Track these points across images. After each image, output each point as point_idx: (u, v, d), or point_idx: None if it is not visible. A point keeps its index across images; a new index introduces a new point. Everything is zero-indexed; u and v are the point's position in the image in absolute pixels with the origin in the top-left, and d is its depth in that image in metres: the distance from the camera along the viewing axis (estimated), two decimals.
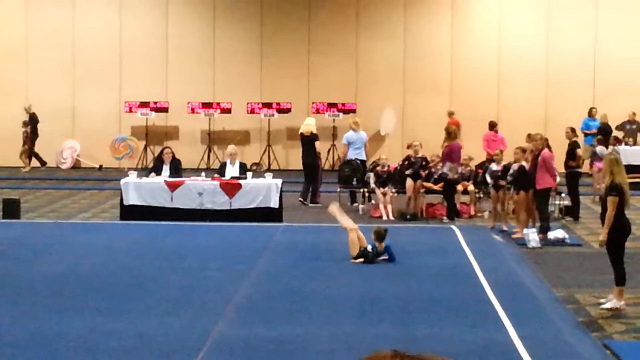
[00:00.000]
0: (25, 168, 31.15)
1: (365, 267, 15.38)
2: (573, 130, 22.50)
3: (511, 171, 19.89)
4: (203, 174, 21.80)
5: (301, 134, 24.48)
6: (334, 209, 16.85)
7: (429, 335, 11.10)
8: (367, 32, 32.34)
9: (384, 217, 21.62)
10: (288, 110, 31.56)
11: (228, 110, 31.76)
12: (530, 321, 11.94)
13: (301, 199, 23.83)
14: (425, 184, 22.34)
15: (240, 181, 20.78)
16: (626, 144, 28.59)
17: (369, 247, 15.72)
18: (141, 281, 14.26)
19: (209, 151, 32.06)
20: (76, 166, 32.49)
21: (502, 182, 20.30)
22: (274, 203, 20.62)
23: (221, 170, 21.67)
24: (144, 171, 23.91)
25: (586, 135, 29.01)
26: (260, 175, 22.24)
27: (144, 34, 32.63)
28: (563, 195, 21.76)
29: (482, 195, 22.61)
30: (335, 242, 17.22)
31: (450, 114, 29.57)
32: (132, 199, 20.74)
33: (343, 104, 31.51)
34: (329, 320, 11.92)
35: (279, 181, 20.95)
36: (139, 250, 16.92)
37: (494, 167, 21.17)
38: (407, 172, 22.42)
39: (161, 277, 14.54)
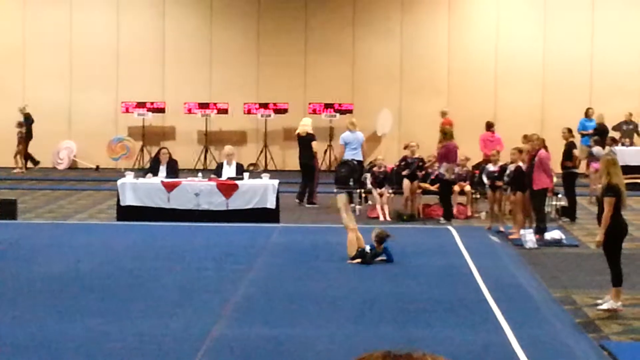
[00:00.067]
0: (16, 169, 31.07)
1: (363, 268, 15.39)
2: (570, 130, 22.52)
3: (508, 172, 19.91)
4: (200, 174, 21.79)
5: (298, 134, 24.49)
6: (342, 202, 16.82)
7: (427, 336, 11.12)
8: (364, 32, 32.35)
9: (381, 218, 21.64)
10: (285, 111, 31.56)
11: (225, 111, 31.76)
12: (527, 322, 11.96)
13: (298, 200, 23.85)
14: (422, 184, 22.35)
15: (237, 182, 20.78)
16: (623, 144, 28.61)
17: (367, 248, 15.73)
18: (139, 282, 14.27)
19: (206, 152, 32.06)
20: (73, 167, 32.46)
21: (499, 183, 20.32)
22: (271, 204, 20.62)
23: (218, 171, 21.66)
24: (141, 172, 23.90)
25: (583, 135, 29.02)
26: (257, 175, 22.24)
27: (141, 34, 32.63)
28: (560, 195, 21.78)
29: (478, 196, 22.63)
30: (332, 243, 17.24)
31: (444, 114, 29.59)
32: (129, 199, 20.74)
33: (340, 105, 31.51)
34: (327, 321, 11.93)
35: (276, 182, 20.95)
36: (137, 251, 16.93)
37: (490, 167, 21.19)
38: (404, 172, 22.44)
39: (159, 277, 14.55)
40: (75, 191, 27.00)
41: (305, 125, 24.32)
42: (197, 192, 20.56)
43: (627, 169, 23.75)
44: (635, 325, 12.39)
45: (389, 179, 22.52)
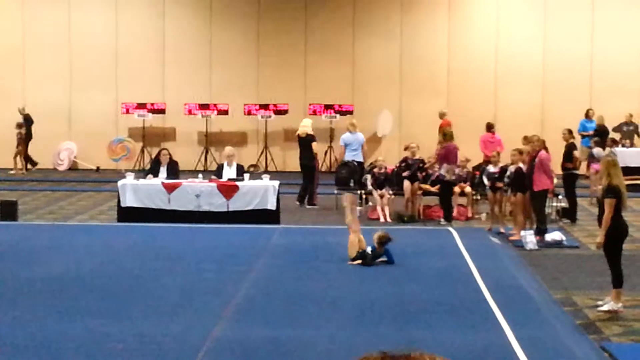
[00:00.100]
0: (13, 170, 31.05)
1: (363, 269, 15.39)
2: (570, 132, 22.51)
3: (508, 173, 19.90)
4: (200, 175, 21.79)
5: (298, 135, 24.49)
6: (348, 201, 16.82)
7: (427, 337, 11.12)
8: (364, 33, 32.36)
9: (381, 219, 21.64)
10: (285, 112, 31.57)
11: (225, 112, 31.76)
12: (528, 323, 11.96)
13: (298, 202, 23.85)
14: (423, 185, 22.35)
15: (238, 183, 20.78)
16: (623, 145, 28.60)
17: (368, 249, 15.73)
18: (140, 282, 14.28)
19: (206, 153, 32.07)
20: (73, 168, 32.46)
21: (499, 184, 20.32)
22: (271, 205, 20.62)
23: (218, 172, 21.66)
24: (141, 173, 23.90)
25: (583, 137, 29.02)
26: (257, 177, 22.25)
27: (141, 35, 32.63)
28: (560, 197, 21.77)
29: (479, 197, 22.63)
30: (333, 244, 17.25)
31: (442, 115, 29.63)
32: (129, 200, 20.73)
33: (340, 106, 31.51)
34: (328, 322, 11.94)
35: (276, 183, 20.95)
36: (137, 252, 16.93)
37: (491, 168, 21.19)
38: (405, 174, 22.44)
39: (159, 278, 14.56)
40: (75, 192, 27.00)
41: (305, 126, 24.31)
42: (197, 193, 20.56)
43: (628, 170, 23.73)
44: (635, 327, 12.38)
45: (390, 180, 22.52)
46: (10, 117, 31.24)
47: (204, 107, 31.77)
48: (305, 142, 24.05)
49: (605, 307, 13.03)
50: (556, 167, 21.05)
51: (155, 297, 13.27)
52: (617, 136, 29.10)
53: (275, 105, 31.63)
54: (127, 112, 31.80)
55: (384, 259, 15.81)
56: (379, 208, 21.93)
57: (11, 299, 13.09)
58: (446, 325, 11.83)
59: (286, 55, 32.45)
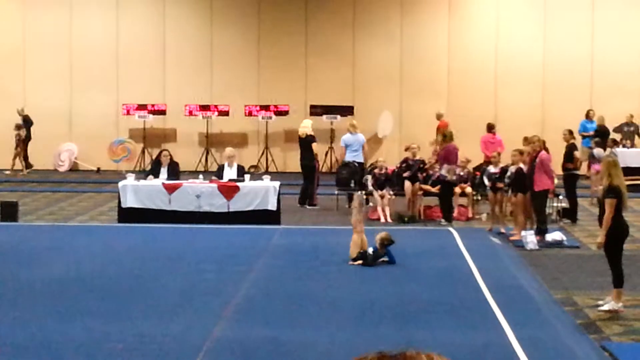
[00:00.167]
0: (8, 171, 31.04)
1: (364, 269, 15.40)
2: (571, 132, 22.50)
3: (509, 173, 19.90)
4: (201, 176, 21.79)
5: (299, 136, 24.51)
6: (357, 202, 16.84)
7: (427, 337, 11.12)
8: (364, 34, 32.36)
9: (382, 220, 21.63)
10: (285, 113, 31.57)
11: (226, 113, 31.76)
12: (528, 323, 11.96)
13: (299, 203, 23.84)
14: (423, 186, 22.35)
15: (238, 184, 20.79)
16: (624, 146, 28.60)
17: (370, 250, 15.73)
18: (140, 283, 14.28)
19: (207, 154, 32.07)
20: (74, 169, 32.46)
21: (500, 185, 20.31)
22: (272, 205, 20.62)
23: (219, 173, 21.67)
24: (142, 174, 23.89)
25: (584, 137, 29.01)
26: (258, 177, 22.25)
27: (141, 36, 32.64)
28: (561, 197, 21.77)
29: (479, 198, 22.63)
30: (333, 244, 17.26)
31: (439, 116, 29.67)
32: (130, 201, 20.74)
33: (340, 107, 31.51)
34: (328, 322, 11.94)
35: (277, 183, 20.96)
36: (138, 253, 16.94)
37: (491, 169, 21.18)
38: (405, 174, 22.44)
39: (160, 279, 14.56)
40: (76, 193, 27.00)
41: (305, 127, 24.32)
42: (198, 194, 20.56)
43: (628, 171, 23.72)
44: (636, 326, 12.38)
45: (390, 180, 22.52)
46: (11, 118, 31.25)
47: (204, 108, 31.77)
48: (306, 143, 24.05)
49: (605, 307, 13.03)
50: (557, 168, 21.05)
51: (156, 297, 13.27)
52: (617, 137, 29.09)
53: (275, 106, 31.63)
54: (128, 113, 31.80)
55: (385, 259, 15.81)
56: (379, 208, 21.93)
57: (11, 300, 13.10)
58: (446, 325, 11.83)
59: (287, 56, 32.46)
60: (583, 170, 25.84)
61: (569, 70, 31.55)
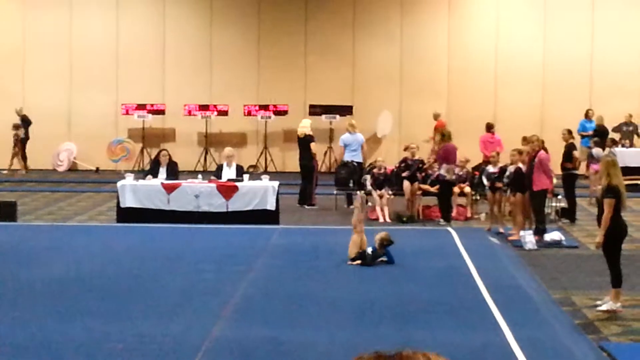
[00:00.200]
0: (6, 171, 31.06)
1: (363, 269, 15.40)
2: (570, 132, 22.52)
3: (508, 173, 19.91)
4: (200, 176, 21.79)
5: (298, 136, 24.53)
6: (359, 202, 16.86)
7: (426, 337, 11.13)
8: (364, 34, 32.37)
9: (381, 219, 21.64)
10: (285, 113, 31.58)
11: (225, 113, 31.77)
12: (527, 323, 11.97)
13: (299, 204, 23.85)
14: (422, 186, 22.36)
15: (237, 183, 20.78)
16: (623, 145, 28.62)
17: (369, 250, 15.73)
18: (139, 283, 14.29)
19: (206, 153, 32.08)
20: (73, 169, 32.48)
21: (499, 184, 20.33)
22: (271, 205, 20.62)
23: (218, 173, 21.66)
24: (141, 174, 23.89)
25: (583, 137, 29.04)
26: (257, 177, 22.25)
27: (141, 36, 32.64)
28: (559, 197, 21.78)
29: (478, 197, 22.64)
30: (332, 244, 17.27)
31: (436, 116, 29.72)
32: (128, 201, 20.74)
33: (340, 106, 31.52)
34: (327, 322, 11.95)
35: (276, 183, 20.95)
36: (137, 253, 16.94)
37: (490, 169, 21.20)
38: (404, 174, 22.45)
39: (159, 279, 14.56)
40: (75, 193, 27.01)
41: (304, 126, 24.33)
42: (197, 193, 20.56)
43: (627, 170, 23.74)
44: (634, 327, 12.39)
45: (389, 180, 22.53)
46: (10, 118, 31.28)
47: (203, 108, 31.79)
48: (304, 143, 24.06)
49: (604, 307, 13.04)
50: (556, 167, 21.05)
51: (155, 297, 13.28)
52: (616, 136, 29.11)
53: (275, 106, 31.65)
54: (127, 113, 31.81)
55: (384, 259, 15.82)
56: (378, 208, 21.94)
57: (11, 300, 13.10)
58: (445, 325, 11.84)
59: (286, 56, 32.47)
60: (582, 170, 25.88)
61: (568, 70, 31.58)
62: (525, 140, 20.91)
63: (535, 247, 18.01)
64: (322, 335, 11.31)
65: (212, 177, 21.48)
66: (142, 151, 32.12)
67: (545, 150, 19.44)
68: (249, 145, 32.62)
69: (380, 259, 15.80)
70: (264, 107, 31.68)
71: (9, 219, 20.60)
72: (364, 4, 32.36)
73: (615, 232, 13.13)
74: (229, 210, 20.54)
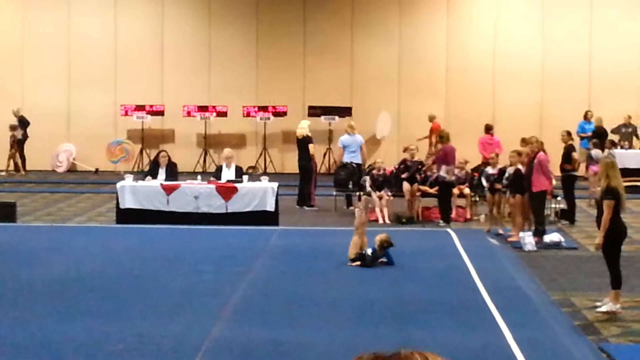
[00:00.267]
0: (4, 172, 31.06)
1: (363, 270, 15.41)
2: (569, 133, 22.52)
3: (507, 174, 19.92)
4: (199, 177, 21.79)
5: (296, 137, 24.54)
6: (364, 204, 16.86)
7: (426, 338, 11.13)
8: (363, 34, 32.38)
9: (380, 221, 21.64)
10: (284, 114, 31.58)
11: (224, 114, 31.77)
12: (526, 324, 11.97)
13: (298, 205, 23.85)
14: (422, 187, 22.37)
15: (236, 184, 20.78)
16: (622, 147, 28.62)
17: (369, 251, 15.74)
18: (139, 283, 14.29)
19: (205, 154, 32.07)
20: (72, 169, 32.48)
21: (498, 186, 20.34)
22: (270, 206, 20.62)
23: (217, 174, 21.66)
24: (140, 174, 23.89)
25: (582, 138, 29.05)
26: (256, 178, 22.25)
27: (140, 37, 32.64)
28: (559, 198, 21.79)
29: (478, 199, 22.64)
30: (331, 245, 17.26)
31: (432, 118, 29.75)
32: (128, 202, 20.73)
33: (339, 107, 31.53)
34: (327, 322, 11.95)
35: (275, 184, 20.95)
36: (136, 254, 16.94)
37: (489, 170, 21.21)
38: (403, 175, 22.46)
39: (158, 279, 14.57)
40: (74, 194, 27.01)
41: (302, 127, 24.34)
42: (196, 194, 20.56)
43: (626, 172, 23.76)
44: (634, 328, 12.40)
45: (388, 181, 22.53)
46: (9, 119, 31.27)
47: (202, 109, 31.79)
48: (303, 144, 24.08)
49: (603, 308, 13.04)
50: (555, 169, 21.05)
51: (155, 297, 13.28)
52: (615, 138, 29.12)
53: (274, 107, 31.66)
54: (126, 114, 31.81)
55: (383, 259, 15.82)
56: (377, 209, 21.93)
57: (11, 300, 13.11)
58: (445, 325, 11.85)
59: (285, 57, 32.47)
60: (581, 171, 25.88)
61: (567, 69, 31.60)
62: (524, 141, 20.92)
63: (535, 249, 18.01)
64: (322, 335, 11.32)
65: (212, 178, 21.48)
66: (141, 152, 32.12)
67: (544, 152, 19.44)
68: (248, 147, 32.62)
69: (380, 260, 15.80)
70: (263, 108, 31.69)
71: (8, 219, 20.60)
72: (362, 4, 32.38)
73: (615, 234, 13.13)
74: (229, 211, 20.54)
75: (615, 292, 13.10)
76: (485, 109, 31.35)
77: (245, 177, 21.30)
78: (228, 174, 21.36)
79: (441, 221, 21.53)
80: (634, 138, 29.86)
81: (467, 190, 22.37)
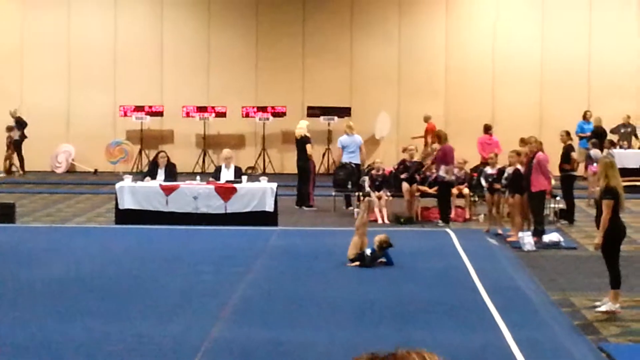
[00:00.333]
0: (3, 174, 31.08)
1: (362, 270, 15.41)
2: (568, 133, 22.52)
3: (506, 174, 19.93)
4: (198, 177, 21.80)
5: (295, 137, 24.55)
6: (365, 205, 16.87)
7: (425, 338, 11.13)
8: (362, 35, 32.38)
9: (379, 221, 21.63)
10: (283, 114, 31.58)
11: (223, 114, 31.77)
12: (526, 324, 11.97)
13: (297, 206, 23.84)
14: (421, 187, 22.37)
15: (236, 185, 20.78)
16: (621, 147, 28.63)
17: (368, 251, 15.74)
18: (138, 283, 14.30)
19: (204, 155, 32.07)
20: (71, 170, 32.48)
21: (497, 186, 20.34)
22: (269, 207, 20.61)
23: (216, 174, 21.66)
24: (139, 175, 23.89)
25: (581, 138, 29.07)
26: (255, 179, 22.25)
27: (139, 38, 32.64)
28: (558, 198, 21.79)
29: (477, 199, 22.64)
30: (331, 246, 17.26)
31: (427, 119, 29.75)
32: (127, 203, 20.72)
33: (338, 108, 31.53)
34: (327, 323, 11.95)
35: (274, 185, 20.94)
36: (136, 254, 16.94)
37: (488, 170, 21.22)
38: (403, 176, 22.45)
39: (158, 280, 14.57)
40: (73, 195, 27.01)
41: (301, 128, 24.34)
42: (195, 195, 20.55)
43: (625, 172, 23.76)
44: (633, 327, 12.40)
45: (387, 182, 22.53)
46: (8, 119, 31.27)
47: (201, 109, 31.79)
48: (301, 144, 24.08)
49: (603, 308, 13.04)
50: (554, 169, 21.06)
51: (154, 298, 13.28)
52: (614, 138, 29.13)
53: (273, 107, 31.66)
54: (125, 114, 31.81)
55: (383, 260, 15.82)
56: (376, 210, 21.92)
57: (11, 300, 13.12)
58: (444, 325, 11.85)
59: (284, 57, 32.47)
60: (580, 171, 25.87)
61: (566, 69, 31.62)
62: (523, 141, 20.93)
63: (534, 249, 18.01)
64: (322, 335, 11.32)
65: (211, 179, 21.48)
66: (140, 153, 32.12)
67: (543, 152, 19.44)
68: (247, 147, 32.63)
69: (379, 260, 15.80)
70: (262, 109, 31.69)
71: (7, 220, 20.60)
72: (361, 4, 32.38)
73: (614, 234, 13.14)
74: (228, 211, 20.53)
75: (615, 292, 13.11)
76: (485, 109, 31.37)
77: (244, 178, 21.30)
78: (227, 175, 21.35)
79: (440, 221, 21.53)
80: (633, 138, 29.88)
81: (466, 190, 22.38)
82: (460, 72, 32.01)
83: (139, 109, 31.71)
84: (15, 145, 31.19)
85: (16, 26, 32.60)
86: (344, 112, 31.36)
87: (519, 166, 19.49)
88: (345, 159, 23.73)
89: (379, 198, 22.01)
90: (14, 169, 31.44)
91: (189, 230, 19.50)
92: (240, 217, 20.44)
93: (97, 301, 12.97)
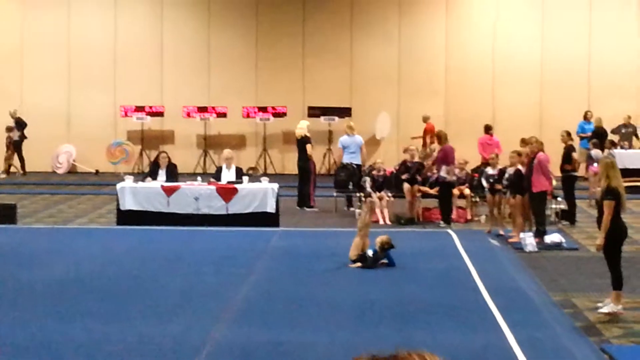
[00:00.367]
0: (4, 175, 31.08)
1: (363, 271, 15.40)
2: (569, 133, 22.50)
3: (507, 175, 19.91)
4: (199, 178, 21.78)
5: (296, 137, 24.54)
6: (368, 206, 16.88)
7: (427, 338, 11.12)
8: (362, 35, 32.37)
9: (380, 222, 21.61)
10: (283, 114, 31.57)
11: (224, 115, 31.76)
12: (528, 325, 11.95)
13: (298, 206, 23.83)
14: (422, 188, 22.35)
15: (237, 186, 20.76)
16: (622, 147, 28.61)
17: (370, 252, 15.73)
18: (139, 284, 14.29)
19: (205, 155, 32.06)
20: (72, 171, 32.47)
21: (498, 186, 20.33)
22: (271, 207, 20.60)
23: (217, 175, 21.64)
24: (140, 176, 23.89)
25: (582, 138, 29.05)
26: (256, 179, 22.23)
27: (139, 38, 32.63)
28: (559, 199, 21.77)
29: (478, 200, 22.62)
30: (332, 246, 17.25)
31: (426, 119, 29.73)
32: (128, 203, 20.71)
33: (338, 108, 31.52)
34: (327, 323, 11.94)
35: (275, 185, 20.92)
36: (136, 255, 16.93)
37: (489, 171, 21.20)
38: (404, 176, 22.44)
39: (159, 281, 14.56)
40: (74, 195, 26.99)
41: (301, 128, 24.32)
42: (196, 196, 20.54)
43: (626, 172, 23.72)
44: (635, 329, 12.38)
45: (388, 182, 22.52)
46: (8, 120, 31.26)
47: (202, 109, 31.79)
48: (301, 144, 24.07)
49: (605, 309, 13.02)
50: (555, 169, 21.04)
51: (155, 298, 13.27)
52: (615, 138, 29.11)
53: (273, 107, 31.65)
54: (126, 115, 31.81)
55: (384, 261, 15.81)
56: (377, 210, 21.91)
57: (12, 300, 13.11)
58: (446, 326, 11.84)
59: (284, 57, 32.46)
60: (581, 171, 25.86)
61: (567, 69, 31.61)
62: (524, 141, 20.92)
63: (536, 249, 18.00)
64: (323, 336, 11.31)
65: (212, 180, 21.46)
66: (141, 153, 32.12)
67: (544, 152, 19.43)
68: (248, 147, 32.62)
69: (381, 261, 15.79)
70: (263, 109, 31.69)
71: (8, 221, 20.59)
72: (361, 4, 32.37)
73: (616, 234, 13.12)
74: (229, 212, 20.52)
75: (617, 293, 13.08)
76: (485, 109, 31.36)
77: (245, 178, 21.28)
78: (228, 175, 21.34)
79: (442, 222, 21.52)
80: (634, 138, 29.86)
81: (467, 191, 22.36)
82: (460, 72, 32.00)
83: (140, 109, 31.70)
84: (15, 146, 31.18)
85: (16, 26, 32.60)
86: (345, 112, 31.35)
87: (520, 167, 19.48)
88: (346, 159, 23.71)
89: (380, 199, 21.99)
90: (13, 169, 31.43)
91: (190, 231, 19.49)
92: (241, 218, 20.43)
93: (98, 301, 12.97)
